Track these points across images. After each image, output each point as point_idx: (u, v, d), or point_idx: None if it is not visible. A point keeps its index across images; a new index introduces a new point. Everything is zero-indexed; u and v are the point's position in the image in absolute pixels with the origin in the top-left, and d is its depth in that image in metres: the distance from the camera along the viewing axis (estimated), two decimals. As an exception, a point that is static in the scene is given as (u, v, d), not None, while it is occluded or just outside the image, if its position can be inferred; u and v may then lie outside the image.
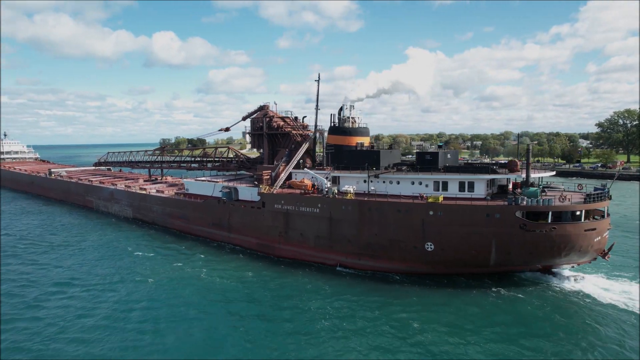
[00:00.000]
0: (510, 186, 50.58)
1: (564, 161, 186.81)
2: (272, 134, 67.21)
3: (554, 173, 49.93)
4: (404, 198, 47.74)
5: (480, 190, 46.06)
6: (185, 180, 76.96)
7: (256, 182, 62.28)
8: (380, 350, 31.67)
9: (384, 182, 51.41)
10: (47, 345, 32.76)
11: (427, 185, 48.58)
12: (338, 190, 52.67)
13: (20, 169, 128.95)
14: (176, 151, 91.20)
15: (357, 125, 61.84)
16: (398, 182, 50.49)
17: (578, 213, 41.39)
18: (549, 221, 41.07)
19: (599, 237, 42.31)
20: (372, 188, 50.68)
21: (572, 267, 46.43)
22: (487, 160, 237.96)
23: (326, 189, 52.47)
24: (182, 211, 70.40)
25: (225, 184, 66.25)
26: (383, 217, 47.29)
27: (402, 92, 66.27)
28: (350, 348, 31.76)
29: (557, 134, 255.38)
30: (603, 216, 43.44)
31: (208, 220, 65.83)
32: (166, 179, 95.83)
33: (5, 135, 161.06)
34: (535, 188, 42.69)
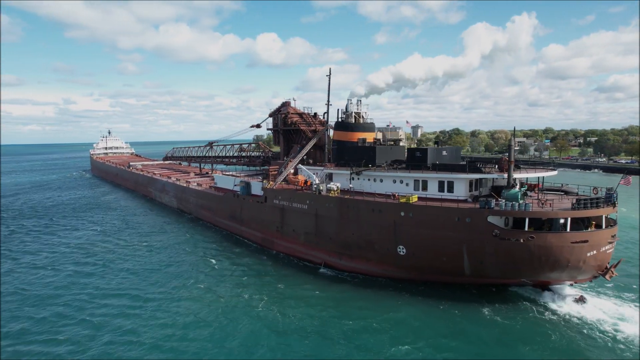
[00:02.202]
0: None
1: None
2: (286, 130, 69.20)
3: (555, 172, 43.50)
4: (381, 197, 46.06)
5: (460, 190, 42.31)
6: (215, 174, 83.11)
7: (260, 178, 64.97)
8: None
9: (368, 179, 50.02)
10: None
11: (407, 184, 46.10)
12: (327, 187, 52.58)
13: (112, 162, 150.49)
14: (219, 146, 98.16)
15: (362, 121, 60.55)
16: (381, 180, 48.71)
17: (562, 221, 35.81)
18: (526, 229, 36.35)
19: (594, 252, 36.02)
20: (350, 185, 49.71)
21: (571, 284, 40.23)
22: (602, 160, 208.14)
23: (315, 186, 52.80)
24: (209, 203, 76.34)
25: (242, 178, 70.12)
26: (360, 216, 46.27)
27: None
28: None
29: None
30: (602, 226, 36.89)
31: (227, 213, 70.50)
32: (215, 172, 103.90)
33: (109, 132, 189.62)
34: (516, 190, 37.85)
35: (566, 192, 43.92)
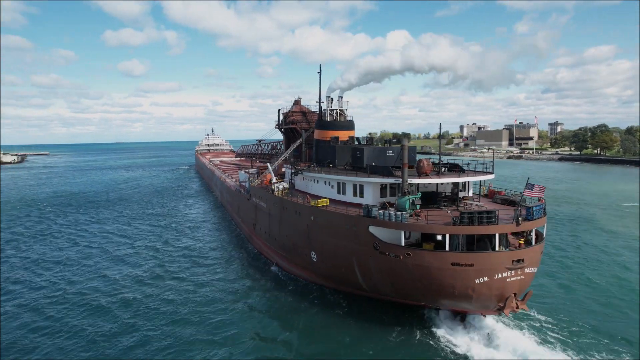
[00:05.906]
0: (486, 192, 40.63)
1: None
2: (286, 128, 70.39)
3: (492, 176, 36.06)
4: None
5: (369, 196, 38.53)
6: (239, 170, 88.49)
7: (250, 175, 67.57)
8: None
9: (311, 180, 48.63)
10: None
11: (332, 187, 43.59)
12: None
13: (205, 158, 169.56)
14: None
15: (342, 119, 58.28)
16: (317, 182, 46.89)
17: (439, 238, 30.26)
18: (402, 244, 31.79)
19: (485, 278, 29.51)
20: (284, 185, 48.93)
21: (484, 316, 33.37)
22: None
23: (273, 184, 53.38)
24: (230, 198, 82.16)
25: (251, 175, 73.72)
26: (290, 218, 45.69)
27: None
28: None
29: None
30: (495, 247, 29.92)
31: (235, 208, 75.22)
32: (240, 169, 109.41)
33: (212, 131, 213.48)
34: (406, 198, 32.99)
35: (513, 202, 36.34)
